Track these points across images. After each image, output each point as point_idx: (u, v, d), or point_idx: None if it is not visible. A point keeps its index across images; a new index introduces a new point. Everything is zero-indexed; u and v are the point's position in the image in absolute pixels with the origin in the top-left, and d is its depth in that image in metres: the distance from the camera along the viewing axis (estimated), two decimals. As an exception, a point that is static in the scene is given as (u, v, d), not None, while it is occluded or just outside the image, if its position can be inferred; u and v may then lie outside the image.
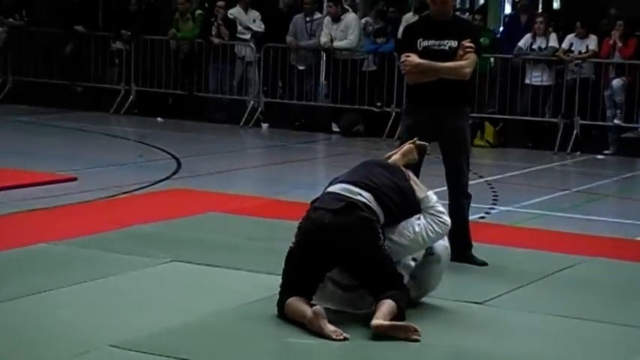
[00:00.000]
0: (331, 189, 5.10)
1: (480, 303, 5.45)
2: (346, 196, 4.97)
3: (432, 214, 5.14)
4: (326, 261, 4.92)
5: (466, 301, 5.46)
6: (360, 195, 4.98)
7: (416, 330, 4.72)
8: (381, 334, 4.69)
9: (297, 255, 4.94)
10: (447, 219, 5.20)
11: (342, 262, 4.93)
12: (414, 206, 5.15)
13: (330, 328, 4.69)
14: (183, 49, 14.89)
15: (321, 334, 4.68)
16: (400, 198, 5.08)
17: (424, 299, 5.35)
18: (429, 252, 5.23)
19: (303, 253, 4.91)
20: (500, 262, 6.35)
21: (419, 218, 5.12)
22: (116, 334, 4.63)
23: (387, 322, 4.71)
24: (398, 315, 4.78)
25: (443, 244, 5.28)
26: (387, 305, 4.77)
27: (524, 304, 5.47)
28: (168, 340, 4.62)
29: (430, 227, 5.11)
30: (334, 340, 4.65)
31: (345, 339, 4.66)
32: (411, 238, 5.08)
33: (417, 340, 4.68)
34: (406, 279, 5.18)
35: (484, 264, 6.25)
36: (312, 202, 5.11)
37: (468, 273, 6.12)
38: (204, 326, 4.86)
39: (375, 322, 4.71)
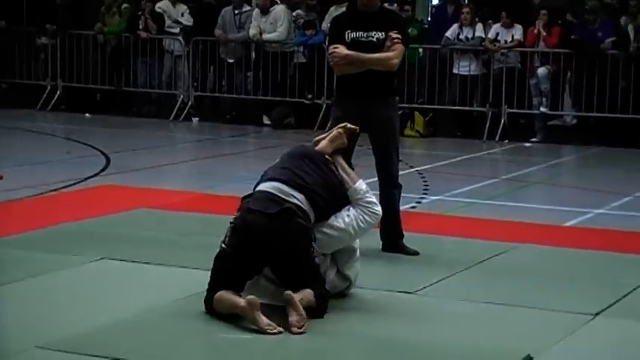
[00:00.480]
0: (263, 187, 5.07)
1: (411, 292, 5.48)
2: (280, 198, 4.95)
3: (363, 205, 5.17)
4: (258, 263, 4.92)
5: (398, 291, 5.49)
6: (293, 196, 4.98)
7: (301, 327, 4.68)
8: (286, 304, 4.71)
9: (229, 255, 4.90)
10: (378, 209, 5.23)
11: (272, 264, 4.92)
12: (343, 200, 5.17)
13: (264, 321, 4.68)
14: (110, 43, 14.72)
15: (255, 325, 4.67)
16: (329, 194, 5.10)
17: (356, 290, 5.37)
18: None
19: (237, 254, 4.88)
20: (432, 251, 6.40)
21: (348, 209, 5.14)
22: (45, 335, 4.55)
23: (297, 299, 4.71)
24: (311, 310, 4.78)
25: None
26: (307, 293, 4.82)
27: (456, 293, 5.52)
28: (98, 339, 4.56)
29: (361, 217, 5.14)
30: (268, 334, 4.64)
31: (279, 332, 4.66)
32: (341, 229, 5.10)
33: (298, 333, 4.65)
34: (333, 274, 5.21)
35: (416, 253, 6.30)
36: (244, 199, 5.09)
37: (399, 263, 6.16)
38: (135, 324, 4.81)
39: (289, 292, 4.72)
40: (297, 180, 5.03)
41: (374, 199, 5.27)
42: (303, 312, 4.72)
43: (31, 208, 7.81)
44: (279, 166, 5.19)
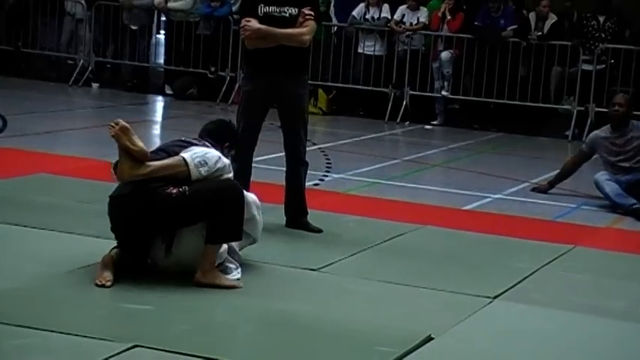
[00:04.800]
0: None
1: (315, 269, 5.50)
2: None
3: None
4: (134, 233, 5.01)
5: (302, 268, 5.50)
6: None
7: (238, 286, 4.98)
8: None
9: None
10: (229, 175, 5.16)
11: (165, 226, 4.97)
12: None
13: (102, 274, 4.87)
14: (8, 1, 14.29)
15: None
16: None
17: (258, 265, 5.38)
18: None
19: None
20: (335, 229, 6.43)
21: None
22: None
23: (208, 282, 4.92)
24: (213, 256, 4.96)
25: (251, 196, 5.31)
26: (209, 253, 4.95)
27: (357, 271, 5.56)
28: (-5, 305, 4.45)
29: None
30: (97, 285, 4.79)
31: (106, 286, 4.82)
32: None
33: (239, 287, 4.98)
34: None
35: (319, 231, 6.32)
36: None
37: (303, 240, 6.18)
38: (33, 291, 4.71)
39: (196, 279, 4.93)
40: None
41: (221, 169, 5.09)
42: (225, 284, 4.97)
43: None
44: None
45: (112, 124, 4.99)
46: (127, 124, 4.98)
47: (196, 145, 5.18)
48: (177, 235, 4.99)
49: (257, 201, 5.36)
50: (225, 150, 5.43)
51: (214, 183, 4.99)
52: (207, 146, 5.20)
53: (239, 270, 5.15)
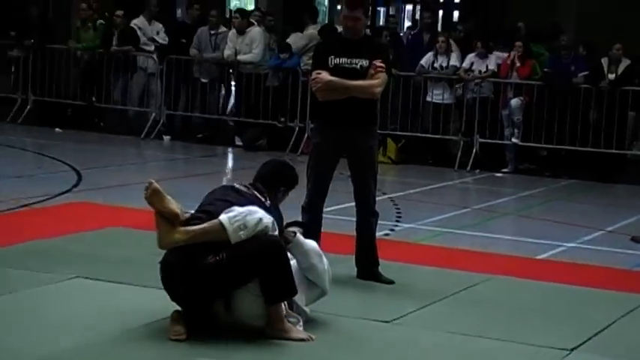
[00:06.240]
0: None
1: (387, 322, 5.47)
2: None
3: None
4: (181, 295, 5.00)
5: (374, 320, 5.47)
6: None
7: (310, 338, 4.97)
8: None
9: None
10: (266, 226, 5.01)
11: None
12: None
13: (172, 327, 4.88)
14: (83, 58, 14.64)
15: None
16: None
17: (330, 317, 5.35)
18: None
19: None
20: (407, 280, 6.39)
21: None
22: (16, 355, 4.47)
23: (278, 335, 4.92)
24: (279, 313, 4.97)
25: (310, 243, 5.24)
26: (271, 311, 4.94)
27: (431, 323, 5.51)
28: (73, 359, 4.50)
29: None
30: (170, 339, 4.76)
31: (181, 339, 4.81)
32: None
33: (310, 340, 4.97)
34: (305, 283, 5.21)
35: (391, 282, 6.28)
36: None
37: (375, 291, 6.14)
38: (111, 345, 4.75)
39: (267, 332, 4.95)
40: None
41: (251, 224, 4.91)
42: (295, 337, 4.95)
43: (1, 224, 7.70)
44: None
45: (147, 185, 4.93)
46: (158, 186, 4.92)
47: (243, 196, 5.10)
48: (232, 294, 4.96)
49: (317, 249, 5.29)
50: (280, 194, 5.42)
51: (253, 244, 4.86)
52: (254, 200, 5.10)
53: (301, 323, 5.10)
